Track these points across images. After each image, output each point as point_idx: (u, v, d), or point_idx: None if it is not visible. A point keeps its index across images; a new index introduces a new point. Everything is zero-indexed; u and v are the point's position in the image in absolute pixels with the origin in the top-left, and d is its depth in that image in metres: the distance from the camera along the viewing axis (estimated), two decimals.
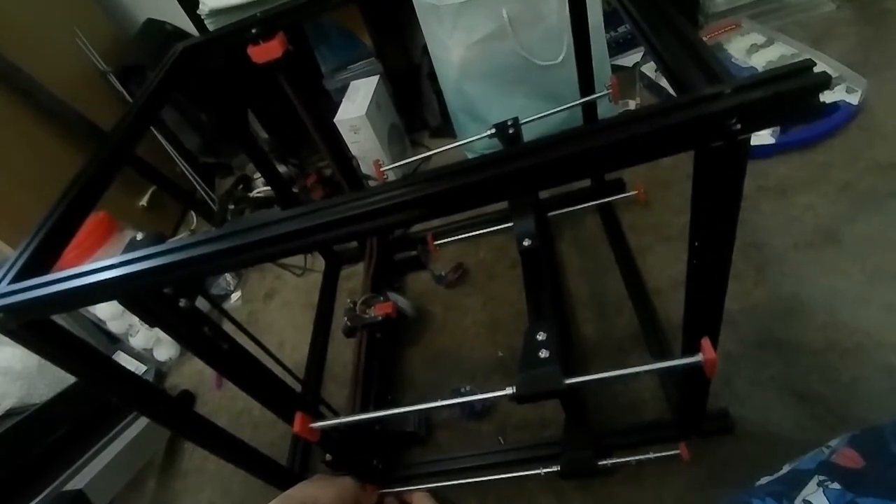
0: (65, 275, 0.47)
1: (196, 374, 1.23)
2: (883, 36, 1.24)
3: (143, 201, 1.52)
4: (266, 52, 0.81)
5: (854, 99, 1.08)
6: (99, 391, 0.68)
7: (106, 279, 0.44)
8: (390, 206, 0.37)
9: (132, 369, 1.21)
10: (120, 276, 0.44)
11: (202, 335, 0.55)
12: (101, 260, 0.46)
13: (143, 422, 1.05)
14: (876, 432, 0.43)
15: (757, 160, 1.09)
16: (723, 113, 0.33)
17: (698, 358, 0.49)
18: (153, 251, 0.43)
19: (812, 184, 1.01)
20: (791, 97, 0.33)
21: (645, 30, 0.47)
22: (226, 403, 1.13)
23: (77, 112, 1.33)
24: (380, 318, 0.97)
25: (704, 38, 1.29)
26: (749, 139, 0.35)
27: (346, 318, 1.01)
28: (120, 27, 1.66)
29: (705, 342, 0.49)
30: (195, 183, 1.62)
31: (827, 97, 1.09)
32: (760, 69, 1.19)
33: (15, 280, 0.51)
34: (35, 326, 0.51)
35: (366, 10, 1.28)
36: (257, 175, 1.62)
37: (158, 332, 1.23)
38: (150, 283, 0.45)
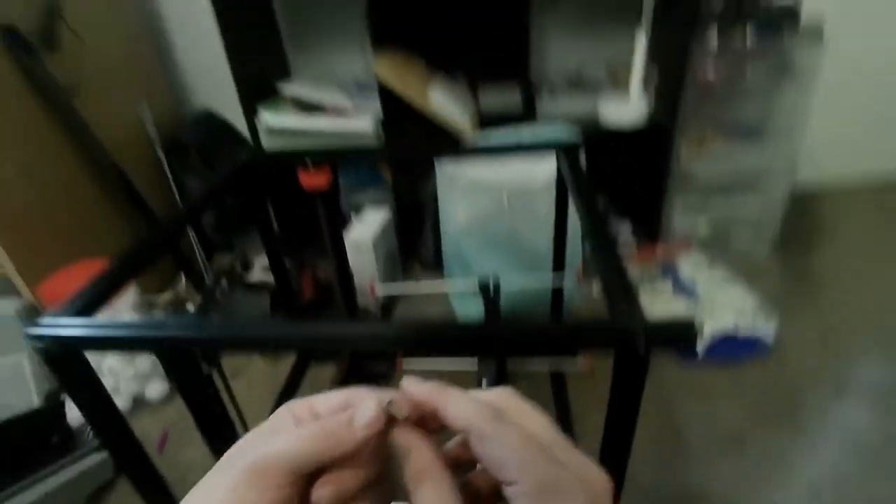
0: (115, 322, 0.59)
1: (141, 432, 1.25)
2: (801, 287, 1.52)
3: None
4: (315, 181, 1.00)
5: (770, 333, 1.31)
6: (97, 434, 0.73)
7: (154, 336, 0.56)
8: (376, 340, 0.51)
9: None
10: (165, 336, 0.56)
11: (207, 399, 0.66)
12: (143, 319, 0.58)
13: (65, 474, 1.06)
14: None
15: (688, 365, 1.28)
16: (632, 338, 0.50)
17: None
18: (201, 323, 0.56)
19: (730, 395, 1.20)
20: (679, 337, 0.50)
21: (593, 248, 0.65)
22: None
23: (121, 170, 1.49)
24: None
25: (661, 252, 1.56)
26: (649, 359, 0.52)
27: None
28: (179, 107, 1.89)
29: None
30: (197, 252, 1.74)
31: (748, 327, 1.32)
32: (702, 288, 1.44)
33: (71, 316, 0.62)
34: (73, 358, 0.62)
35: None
36: (257, 261, 1.77)
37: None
38: (187, 346, 0.57)
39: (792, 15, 1.32)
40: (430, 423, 0.26)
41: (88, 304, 0.67)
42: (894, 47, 1.70)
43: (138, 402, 1.31)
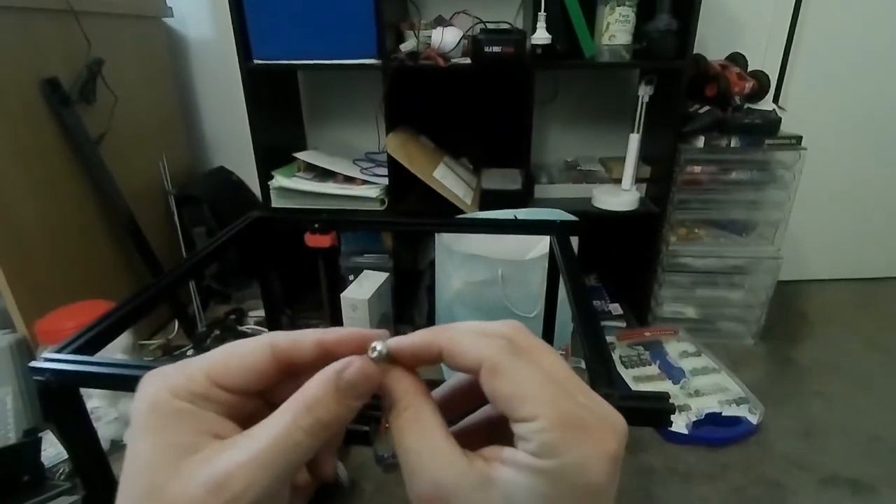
0: (114, 361, 0.62)
1: (115, 477, 1.22)
2: (784, 376, 1.55)
3: None
4: (319, 241, 1.06)
5: (754, 419, 1.32)
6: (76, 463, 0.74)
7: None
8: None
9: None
10: None
11: None
12: (142, 360, 0.61)
13: None
14: None
15: (672, 444, 1.29)
16: None
17: None
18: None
19: (711, 479, 1.19)
20: (655, 412, 0.53)
21: (580, 332, 0.70)
22: None
23: (132, 219, 1.55)
24: None
25: (648, 334, 1.60)
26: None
27: None
28: (196, 163, 1.99)
29: None
30: (194, 299, 1.77)
31: (732, 412, 1.34)
32: (688, 371, 1.46)
33: (72, 353, 0.65)
34: (69, 394, 0.64)
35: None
36: (252, 312, 1.79)
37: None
38: None
39: (772, 124, 1.44)
40: (424, 361, 0.24)
41: (89, 342, 0.70)
42: (871, 155, 1.83)
43: (116, 445, 1.29)
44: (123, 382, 0.62)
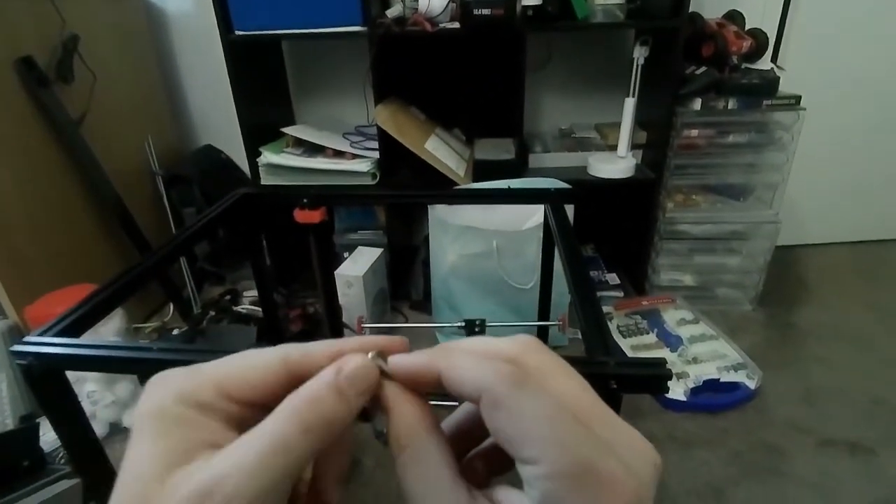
0: (98, 343, 0.60)
1: (115, 460, 1.22)
2: (783, 341, 1.54)
3: None
4: (309, 217, 1.03)
5: (752, 384, 1.32)
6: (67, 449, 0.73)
7: (134, 357, 0.57)
8: None
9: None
10: (141, 358, 0.57)
11: None
12: (127, 342, 0.60)
13: (33, 500, 1.03)
14: None
15: (671, 412, 1.29)
16: (606, 376, 0.52)
17: None
18: (171, 346, 0.57)
19: (711, 444, 1.20)
20: (651, 378, 0.52)
21: (575, 301, 0.68)
22: None
23: (120, 200, 1.52)
24: None
25: (645, 303, 1.59)
26: (622, 397, 0.54)
27: None
28: (183, 142, 1.95)
29: None
30: (188, 282, 1.75)
31: (730, 378, 1.33)
32: (686, 339, 1.46)
33: (56, 335, 0.63)
34: (54, 377, 0.63)
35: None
36: (246, 293, 1.78)
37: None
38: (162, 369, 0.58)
39: (770, 84, 1.40)
40: (424, 387, 0.21)
41: (74, 325, 0.69)
42: (870, 116, 1.79)
43: (115, 428, 1.29)
44: (107, 364, 0.60)
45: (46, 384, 0.63)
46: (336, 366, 0.20)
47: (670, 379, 0.54)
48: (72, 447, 0.67)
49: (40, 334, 0.63)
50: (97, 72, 1.49)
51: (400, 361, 0.21)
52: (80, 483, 1.12)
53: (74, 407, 0.67)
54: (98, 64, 1.49)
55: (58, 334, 0.65)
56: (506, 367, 0.19)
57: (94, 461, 0.72)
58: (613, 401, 0.55)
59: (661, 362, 0.54)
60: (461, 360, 0.20)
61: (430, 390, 0.21)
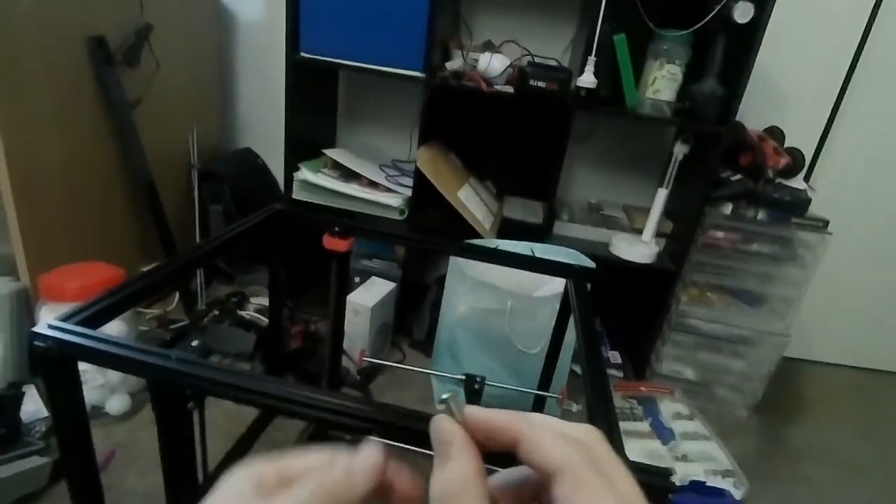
0: (118, 341, 0.61)
1: None
2: (774, 454, 1.52)
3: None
4: (337, 244, 1.05)
5: (738, 495, 1.30)
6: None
7: (150, 362, 0.58)
8: (358, 419, 0.53)
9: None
10: (157, 364, 0.58)
11: (180, 433, 0.66)
12: (146, 345, 0.60)
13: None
14: None
15: None
16: None
17: None
18: (189, 359, 0.58)
19: None
20: (653, 488, 0.52)
21: (588, 387, 0.69)
22: None
23: (153, 186, 1.55)
24: None
25: (643, 389, 1.58)
26: None
27: None
28: (224, 142, 1.99)
29: None
30: (198, 275, 1.76)
31: (717, 483, 1.31)
32: (678, 434, 1.44)
33: (76, 324, 0.64)
34: (67, 365, 0.63)
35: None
36: (253, 298, 1.78)
37: None
38: (174, 380, 0.59)
39: (801, 203, 1.43)
40: (493, 443, 0.22)
41: (94, 316, 0.69)
42: (893, 252, 1.82)
43: (95, 412, 1.28)
44: (122, 364, 0.61)
45: (58, 369, 0.64)
46: (347, 466, 0.23)
47: (673, 493, 0.54)
48: (63, 429, 0.67)
49: (62, 320, 0.64)
50: (161, 61, 1.55)
51: (480, 413, 0.23)
52: (50, 463, 1.11)
53: (78, 394, 0.67)
54: (163, 54, 1.55)
55: (78, 323, 0.66)
56: (584, 451, 0.21)
57: (79, 444, 0.71)
58: None
59: (667, 473, 0.55)
60: (547, 433, 0.22)
61: (497, 448, 0.22)
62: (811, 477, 1.45)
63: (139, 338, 1.48)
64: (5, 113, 1.16)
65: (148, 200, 1.56)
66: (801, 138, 1.62)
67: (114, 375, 1.29)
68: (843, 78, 1.62)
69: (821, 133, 1.67)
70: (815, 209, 1.46)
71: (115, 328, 1.26)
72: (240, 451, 1.22)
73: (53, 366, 0.63)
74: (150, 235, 1.61)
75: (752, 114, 1.59)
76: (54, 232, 1.34)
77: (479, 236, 1.47)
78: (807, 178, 1.65)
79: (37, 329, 0.61)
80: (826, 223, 1.44)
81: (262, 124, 1.95)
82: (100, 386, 1.27)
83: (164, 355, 0.59)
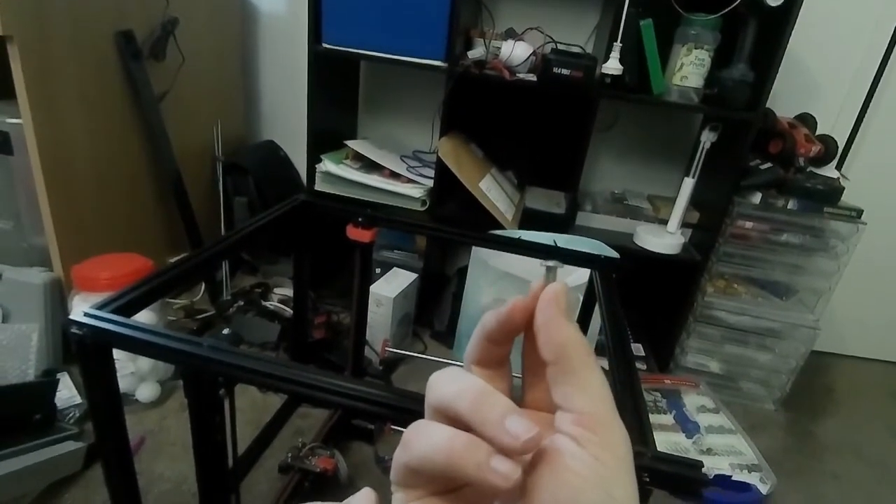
0: (153, 329, 0.62)
1: None
2: (801, 449, 1.49)
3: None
4: (360, 235, 1.06)
5: (764, 489, 1.28)
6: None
7: (184, 350, 0.59)
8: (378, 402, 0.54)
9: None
10: (190, 352, 0.59)
11: (212, 420, 0.68)
12: (181, 333, 0.62)
13: (37, 456, 1.05)
14: None
15: (676, 500, 1.25)
16: (640, 467, 0.51)
17: None
18: (220, 346, 0.59)
19: None
20: (686, 480, 0.51)
21: (615, 378, 0.68)
22: None
23: (180, 178, 1.58)
24: (318, 469, 1.05)
25: (668, 382, 1.56)
26: (652, 490, 0.53)
27: (288, 454, 1.08)
28: (247, 133, 2.01)
29: None
30: (223, 266, 1.79)
31: (743, 477, 1.29)
32: (703, 427, 1.42)
33: (111, 312, 0.66)
34: (103, 352, 0.65)
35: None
36: (277, 289, 1.81)
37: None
38: (207, 369, 0.60)
39: (834, 192, 1.39)
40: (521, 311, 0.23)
41: (127, 305, 0.71)
42: None
43: (126, 400, 1.31)
44: (156, 351, 0.62)
45: (94, 356, 0.65)
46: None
47: (706, 486, 0.54)
48: (98, 415, 0.69)
49: (98, 308, 0.66)
50: (186, 55, 1.57)
51: (557, 315, 0.22)
52: (85, 447, 1.14)
53: (112, 380, 0.69)
54: (188, 47, 1.57)
55: (113, 311, 0.68)
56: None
57: (113, 429, 0.73)
58: (642, 495, 0.54)
59: (698, 465, 0.54)
60: (599, 379, 0.22)
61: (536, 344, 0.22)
62: (839, 474, 1.42)
63: (168, 327, 1.51)
64: (39, 108, 1.19)
65: (174, 192, 1.59)
66: (833, 125, 1.58)
67: (144, 364, 1.32)
68: (878, 63, 1.56)
69: (854, 120, 1.61)
70: (847, 198, 1.42)
71: (145, 317, 1.28)
72: (266, 437, 1.24)
73: (89, 353, 0.64)
74: (177, 227, 1.64)
75: (783, 100, 1.55)
76: (85, 224, 1.37)
77: (500, 227, 1.46)
78: (839, 167, 1.60)
79: (73, 317, 0.62)
80: (860, 213, 1.40)
81: (285, 116, 1.97)
82: (130, 374, 1.30)
83: (196, 343, 0.60)
